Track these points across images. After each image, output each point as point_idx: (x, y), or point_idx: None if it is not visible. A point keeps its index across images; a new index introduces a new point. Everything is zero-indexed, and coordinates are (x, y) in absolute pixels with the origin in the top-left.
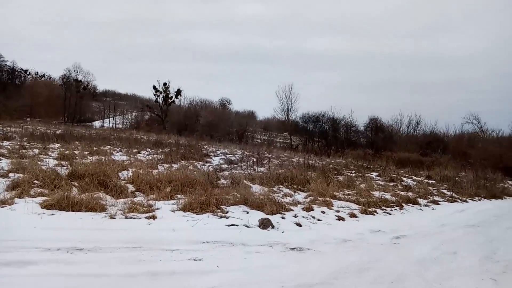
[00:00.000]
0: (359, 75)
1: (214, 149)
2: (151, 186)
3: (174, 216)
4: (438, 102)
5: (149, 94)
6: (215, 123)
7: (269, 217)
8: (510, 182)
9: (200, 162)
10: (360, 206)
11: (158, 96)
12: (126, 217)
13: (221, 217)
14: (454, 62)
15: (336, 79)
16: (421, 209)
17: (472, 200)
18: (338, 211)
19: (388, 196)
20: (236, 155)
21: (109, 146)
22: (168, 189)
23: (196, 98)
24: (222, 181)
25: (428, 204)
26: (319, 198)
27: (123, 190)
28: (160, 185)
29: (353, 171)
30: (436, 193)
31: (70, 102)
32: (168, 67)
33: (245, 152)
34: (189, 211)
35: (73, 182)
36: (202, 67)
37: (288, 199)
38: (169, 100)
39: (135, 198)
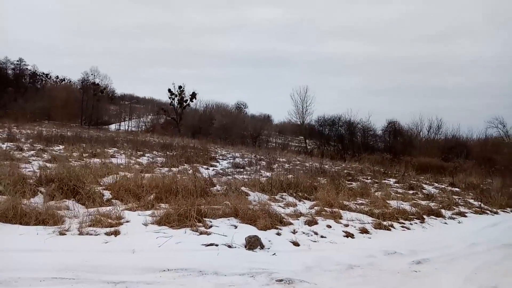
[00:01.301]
0: (376, 80)
1: (224, 152)
2: (133, 193)
3: (143, 232)
4: (460, 106)
5: (166, 98)
6: (229, 127)
7: (262, 233)
8: None
9: (205, 166)
10: (373, 219)
11: (173, 99)
12: (81, 233)
13: (201, 233)
14: (475, 66)
15: (352, 83)
16: (445, 223)
17: (503, 211)
18: (347, 225)
19: (407, 206)
20: (246, 159)
21: (114, 149)
22: (151, 196)
23: (212, 101)
24: (218, 187)
25: (454, 216)
26: (326, 208)
27: (97, 198)
28: (142, 192)
29: (369, 177)
30: (461, 203)
31: (87, 105)
32: (186, 71)
33: (257, 156)
34: (165, 224)
35: (39, 188)
36: (219, 72)
37: (290, 210)
38: (184, 103)
39: (108, 207)
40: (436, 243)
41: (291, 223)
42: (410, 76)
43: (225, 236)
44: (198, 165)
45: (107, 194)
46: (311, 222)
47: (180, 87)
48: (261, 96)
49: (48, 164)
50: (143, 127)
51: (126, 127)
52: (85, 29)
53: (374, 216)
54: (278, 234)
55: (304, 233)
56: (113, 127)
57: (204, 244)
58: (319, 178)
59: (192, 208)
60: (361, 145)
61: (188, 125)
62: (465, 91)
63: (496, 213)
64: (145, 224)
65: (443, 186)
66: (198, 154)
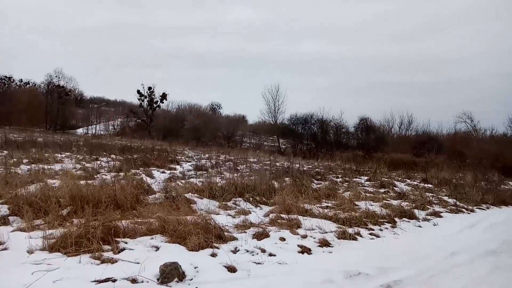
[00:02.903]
0: (349, 79)
1: (192, 154)
2: (39, 207)
3: (18, 264)
4: (429, 103)
5: (137, 100)
6: (201, 127)
7: (190, 255)
8: (510, 183)
9: (161, 169)
10: (338, 226)
11: (143, 100)
12: None
13: (104, 261)
14: (444, 64)
15: (325, 82)
16: (419, 226)
17: (479, 208)
18: (304, 236)
19: (377, 207)
20: (213, 160)
21: (68, 153)
22: (64, 211)
23: (185, 103)
24: (156, 195)
25: (428, 217)
26: (283, 216)
27: None
28: (51, 205)
29: (340, 176)
30: (435, 201)
31: (52, 109)
32: (159, 73)
33: (226, 157)
34: (59, 250)
35: None
36: (193, 73)
37: (239, 220)
38: (154, 105)
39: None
40: (410, 254)
41: (234, 238)
42: (381, 75)
43: (137, 263)
44: (155, 168)
45: (3, 210)
46: (261, 235)
47: (149, 88)
48: (236, 97)
49: None
50: (113, 130)
51: (94, 131)
52: (52, 30)
53: (339, 222)
54: (213, 255)
55: (248, 251)
56: (80, 131)
57: (96, 281)
58: (286, 178)
59: (99, 227)
60: (333, 143)
61: (159, 127)
62: (433, 88)
63: (472, 211)
64: (30, 252)
65: (415, 183)
66: (160, 156)
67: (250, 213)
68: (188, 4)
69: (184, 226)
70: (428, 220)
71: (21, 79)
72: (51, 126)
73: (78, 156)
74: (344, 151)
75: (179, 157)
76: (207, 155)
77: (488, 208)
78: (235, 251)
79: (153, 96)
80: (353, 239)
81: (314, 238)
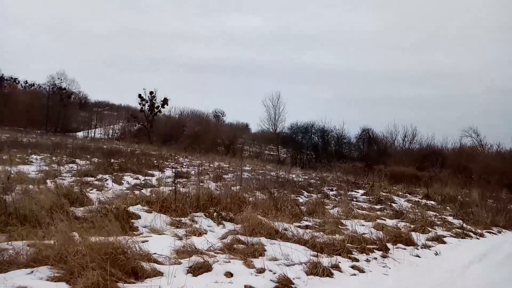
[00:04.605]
0: (352, 90)
1: (183, 160)
2: None
3: None
4: (434, 116)
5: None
6: (201, 134)
7: None
8: None
9: (136, 176)
10: (313, 254)
11: (144, 105)
12: None
13: None
14: (449, 78)
15: (329, 93)
16: (417, 255)
17: (489, 232)
18: (261, 271)
19: (368, 229)
20: (201, 168)
21: (47, 155)
22: None
23: (187, 109)
24: (93, 207)
25: (429, 243)
26: (242, 238)
27: None
28: None
29: (334, 188)
30: (438, 222)
31: (54, 111)
32: (165, 79)
33: (221, 164)
34: None
35: None
36: (198, 80)
37: (181, 244)
38: (155, 110)
39: None
40: None
41: (158, 274)
42: (386, 87)
43: None
44: (131, 174)
45: None
46: (200, 269)
47: (151, 92)
48: (241, 105)
49: None
50: (114, 134)
51: (95, 135)
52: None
53: (315, 249)
54: None
55: None
56: (80, 134)
57: None
58: (253, 192)
59: None
60: (334, 154)
61: (160, 132)
62: (438, 102)
63: (482, 235)
64: None
65: (416, 199)
66: (146, 161)
67: (206, 233)
68: (196, 11)
69: (82, 256)
70: (428, 247)
71: (26, 81)
72: (52, 129)
73: (54, 158)
74: (345, 162)
75: (168, 163)
76: (198, 162)
77: (499, 232)
78: None
79: (155, 101)
80: (327, 275)
81: (273, 273)
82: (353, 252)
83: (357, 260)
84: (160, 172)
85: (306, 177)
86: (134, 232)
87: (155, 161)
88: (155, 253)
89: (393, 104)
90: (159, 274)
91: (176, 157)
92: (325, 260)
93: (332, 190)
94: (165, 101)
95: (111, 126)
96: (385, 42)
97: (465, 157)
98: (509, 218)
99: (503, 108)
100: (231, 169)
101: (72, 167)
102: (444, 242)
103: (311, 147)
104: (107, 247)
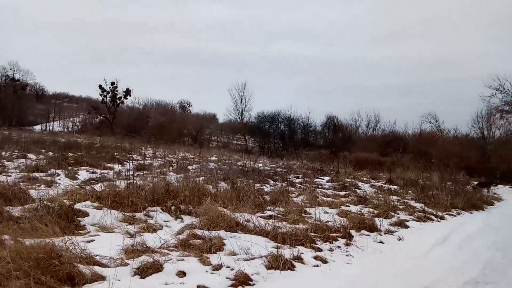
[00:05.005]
0: (320, 80)
1: (147, 152)
2: None
3: None
4: (396, 104)
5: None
6: (166, 125)
7: None
8: (474, 183)
9: (93, 169)
10: (275, 246)
11: (105, 96)
12: None
13: None
14: (412, 68)
15: (298, 83)
16: (381, 241)
17: (449, 214)
18: (218, 268)
19: (332, 216)
20: (166, 159)
21: None
22: None
23: (152, 99)
24: (33, 205)
25: (392, 228)
26: (199, 233)
27: None
28: None
29: (300, 176)
30: (401, 206)
31: (7, 103)
32: (129, 70)
33: (187, 155)
34: None
35: None
36: (163, 71)
37: (130, 242)
38: (118, 101)
39: None
40: None
41: (99, 278)
42: (353, 77)
43: None
44: (87, 168)
45: None
46: (149, 269)
47: (112, 83)
48: (207, 95)
49: None
50: (74, 127)
51: (53, 128)
52: (15, 24)
53: (277, 240)
54: None
55: None
56: (38, 127)
57: None
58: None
59: None
60: (301, 142)
61: (123, 124)
62: (399, 90)
63: (442, 218)
64: None
65: (380, 184)
66: (106, 154)
67: (162, 228)
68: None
69: (6, 263)
70: (391, 232)
71: None
72: (6, 122)
73: (3, 153)
74: (311, 150)
75: (130, 155)
76: (161, 154)
77: (459, 213)
78: None
79: (116, 92)
80: (288, 268)
81: (231, 270)
82: (317, 242)
83: (320, 250)
84: (120, 165)
85: (273, 165)
86: (80, 232)
87: (116, 154)
88: (98, 255)
89: (360, 93)
90: (101, 278)
91: (139, 149)
92: (287, 252)
93: (298, 178)
94: (127, 92)
95: (71, 119)
96: (356, 33)
97: (425, 142)
98: (467, 200)
99: (459, 95)
100: (196, 160)
101: (22, 162)
102: (407, 227)
103: (278, 136)
104: (37, 251)
